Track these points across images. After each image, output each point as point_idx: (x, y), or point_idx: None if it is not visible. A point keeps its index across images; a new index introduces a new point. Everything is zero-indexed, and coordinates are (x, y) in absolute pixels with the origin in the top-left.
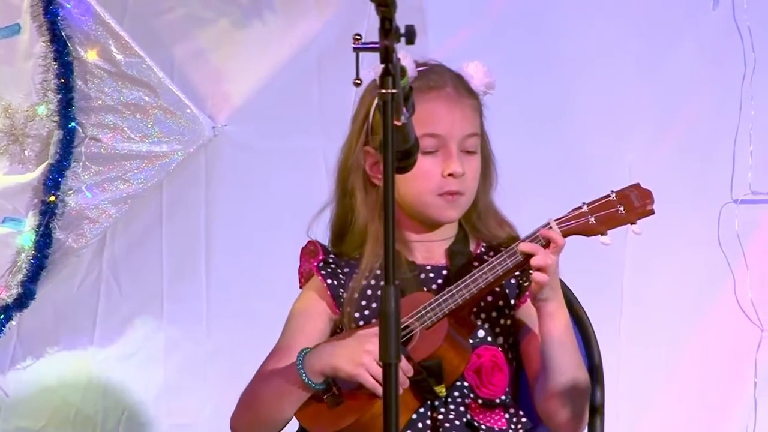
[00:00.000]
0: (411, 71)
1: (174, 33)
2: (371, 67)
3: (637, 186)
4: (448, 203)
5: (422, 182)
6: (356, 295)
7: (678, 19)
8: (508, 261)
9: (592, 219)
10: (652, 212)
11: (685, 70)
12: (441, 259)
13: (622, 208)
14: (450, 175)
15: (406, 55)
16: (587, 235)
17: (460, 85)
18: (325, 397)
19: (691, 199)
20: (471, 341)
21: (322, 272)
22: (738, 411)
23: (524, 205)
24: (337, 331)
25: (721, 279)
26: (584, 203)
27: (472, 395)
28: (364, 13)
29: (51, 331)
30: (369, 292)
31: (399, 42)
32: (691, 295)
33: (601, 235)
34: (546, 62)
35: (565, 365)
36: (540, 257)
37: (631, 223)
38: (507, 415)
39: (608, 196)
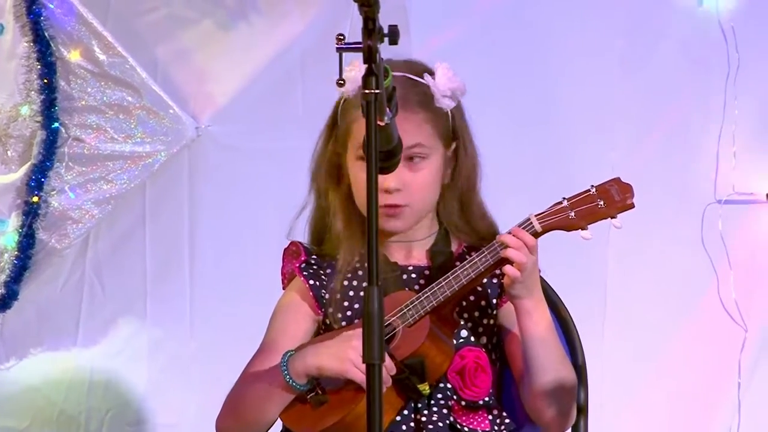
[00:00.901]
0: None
1: (157, 33)
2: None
3: (617, 180)
4: (388, 216)
5: (363, 194)
6: (338, 296)
7: (662, 18)
8: (489, 258)
9: (572, 214)
10: (632, 206)
11: (668, 70)
12: (422, 260)
13: (602, 203)
14: (385, 190)
15: (355, 65)
16: (567, 230)
17: (410, 97)
18: (309, 396)
19: (674, 198)
20: (454, 341)
21: (305, 273)
22: (722, 412)
23: (507, 204)
24: (320, 331)
25: (704, 279)
26: (564, 198)
27: (455, 397)
28: (347, 13)
29: (34, 331)
30: (351, 293)
31: (382, 42)
32: (674, 295)
33: (582, 229)
34: (530, 61)
35: (548, 363)
36: (514, 251)
37: (612, 218)
38: (490, 417)
39: (588, 190)
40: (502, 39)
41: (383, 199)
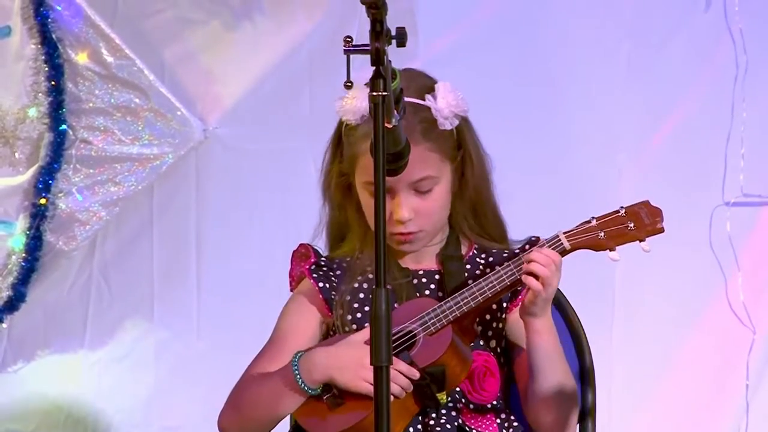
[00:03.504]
0: (364, 111)
1: (164, 35)
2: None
3: (646, 203)
4: (401, 242)
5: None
6: (348, 298)
7: (670, 20)
8: (515, 270)
9: (602, 234)
10: (662, 230)
11: (676, 72)
12: (433, 264)
13: (632, 225)
14: (398, 221)
15: (363, 95)
16: (596, 249)
17: (413, 127)
18: (324, 398)
19: (682, 201)
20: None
21: (314, 275)
22: (730, 413)
23: (514, 206)
24: (330, 333)
25: (712, 281)
26: (593, 217)
27: (464, 400)
28: (354, 15)
29: (41, 333)
30: (362, 295)
31: (390, 44)
32: (683, 297)
33: (610, 250)
34: (537, 63)
35: (552, 376)
36: (540, 266)
37: (640, 241)
38: (498, 420)
39: (617, 211)
40: (509, 42)
41: (396, 228)
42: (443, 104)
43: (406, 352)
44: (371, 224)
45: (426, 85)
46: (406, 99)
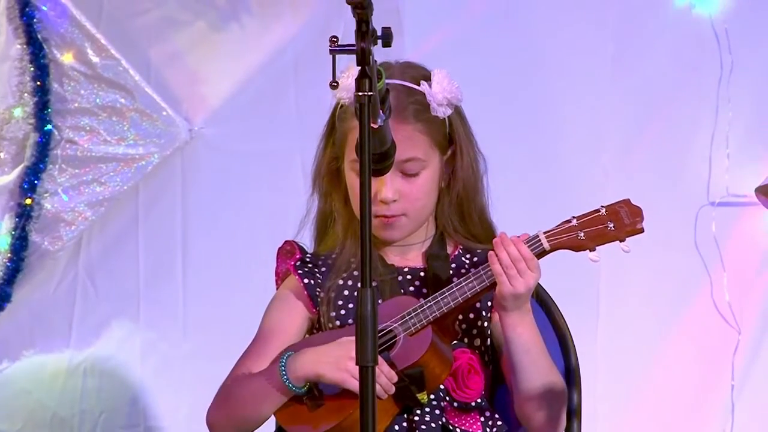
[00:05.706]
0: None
1: (150, 35)
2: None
3: (627, 202)
4: (384, 225)
5: (358, 202)
6: (333, 294)
7: (654, 20)
8: None
9: (582, 234)
10: (641, 231)
11: (661, 72)
12: (418, 262)
13: (612, 225)
14: (382, 201)
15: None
16: (576, 250)
17: (405, 107)
18: (305, 398)
19: (667, 201)
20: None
21: (299, 272)
22: (715, 414)
23: (499, 206)
24: (314, 330)
25: (698, 281)
26: (573, 217)
27: (447, 398)
28: (340, 15)
29: (27, 333)
30: (346, 292)
31: (375, 44)
32: (668, 297)
33: (590, 251)
34: (522, 64)
35: (534, 371)
36: (502, 269)
37: (620, 241)
38: (482, 419)
39: (598, 210)
40: (495, 42)
41: (380, 210)
42: (438, 89)
43: (385, 353)
44: (355, 206)
45: (423, 74)
46: (402, 83)
